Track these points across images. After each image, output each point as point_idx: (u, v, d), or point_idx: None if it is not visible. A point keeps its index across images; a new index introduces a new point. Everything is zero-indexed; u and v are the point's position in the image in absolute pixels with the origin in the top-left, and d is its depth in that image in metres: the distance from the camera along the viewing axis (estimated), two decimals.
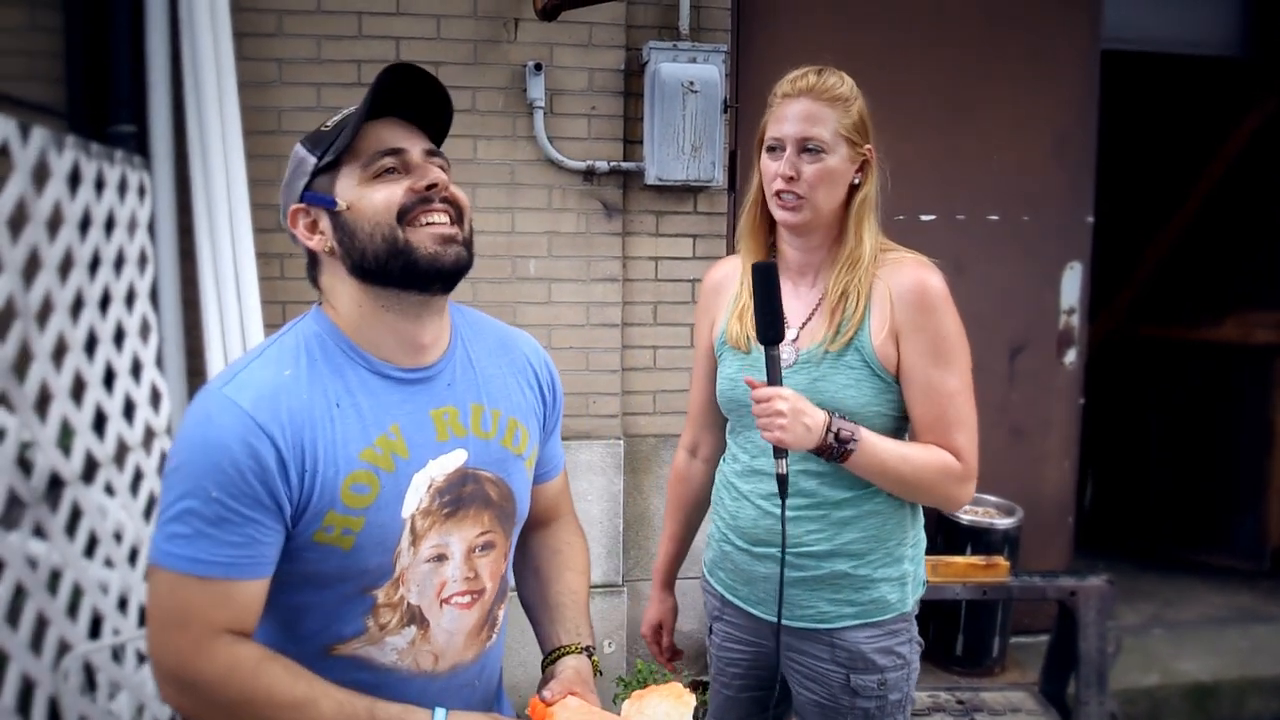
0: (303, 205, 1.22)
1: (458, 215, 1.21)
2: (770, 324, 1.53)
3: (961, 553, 3.34)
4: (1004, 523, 3.47)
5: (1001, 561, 3.11)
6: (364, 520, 1.16)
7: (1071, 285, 3.87)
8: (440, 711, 1.15)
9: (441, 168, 1.22)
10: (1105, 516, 5.18)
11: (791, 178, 1.64)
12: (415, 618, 1.23)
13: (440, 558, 1.23)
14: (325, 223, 1.21)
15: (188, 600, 1.08)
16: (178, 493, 1.09)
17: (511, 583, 1.42)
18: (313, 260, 1.26)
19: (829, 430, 1.58)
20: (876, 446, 1.62)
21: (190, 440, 1.11)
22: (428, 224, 1.17)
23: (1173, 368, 4.97)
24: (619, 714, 1.28)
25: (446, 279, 1.20)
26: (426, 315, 1.23)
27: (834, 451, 1.59)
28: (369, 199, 1.17)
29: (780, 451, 1.56)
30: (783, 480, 1.57)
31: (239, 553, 1.09)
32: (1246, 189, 4.57)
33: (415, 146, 1.21)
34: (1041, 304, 3.87)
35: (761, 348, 1.69)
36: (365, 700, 1.13)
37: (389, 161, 1.18)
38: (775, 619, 1.73)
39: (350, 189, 1.18)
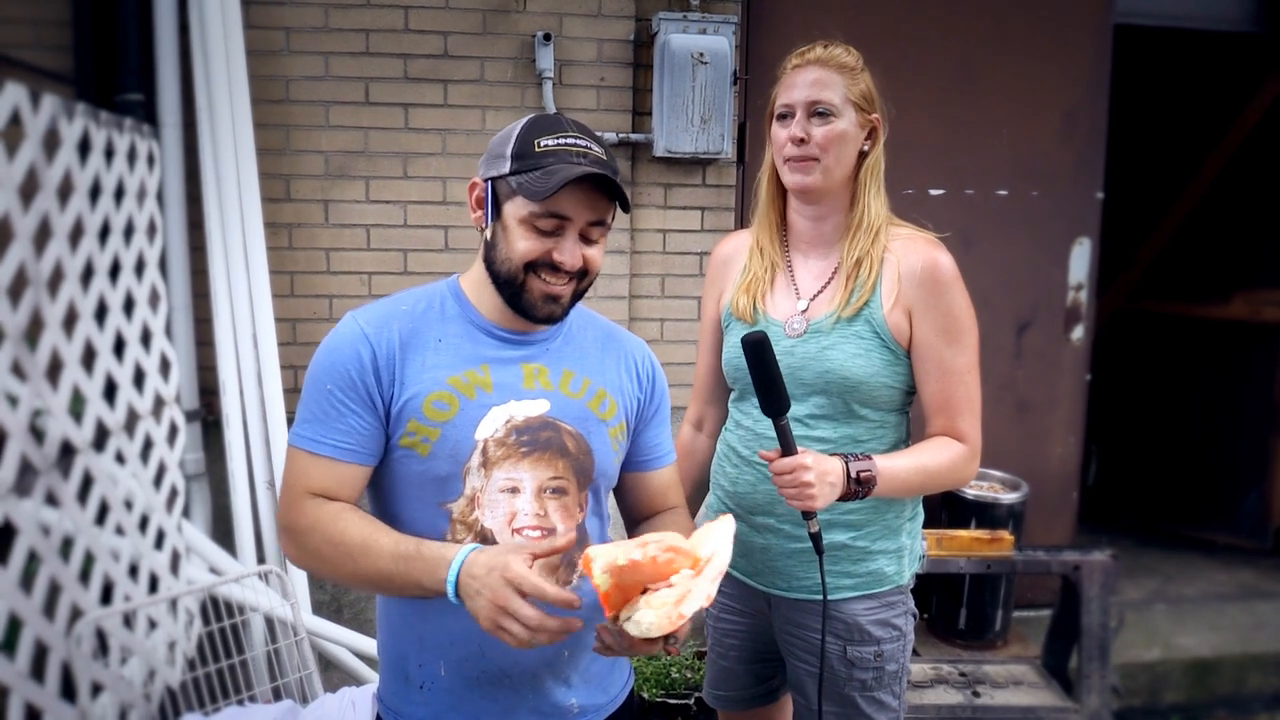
0: (483, 185, 1.40)
1: (581, 275, 1.40)
2: (774, 397, 1.52)
3: (966, 527, 3.34)
4: (1009, 497, 3.48)
5: (1006, 536, 3.12)
6: (440, 433, 1.36)
7: (1080, 261, 3.85)
8: (467, 548, 1.27)
9: (601, 236, 1.40)
10: (1109, 492, 5.19)
11: (802, 140, 1.67)
12: (488, 539, 1.38)
13: (513, 490, 1.39)
14: (487, 213, 1.39)
15: (300, 468, 1.37)
16: (307, 388, 1.38)
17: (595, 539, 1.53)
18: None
19: (849, 478, 1.57)
20: (895, 471, 1.63)
21: (319, 350, 1.39)
22: (547, 281, 1.36)
23: (1180, 345, 4.96)
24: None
25: (537, 323, 1.42)
26: None
27: (858, 494, 1.60)
28: (517, 241, 1.35)
29: (809, 512, 1.57)
30: (817, 538, 1.58)
31: (344, 439, 1.35)
32: (1258, 166, 4.54)
33: (582, 218, 1.36)
34: (1050, 280, 3.86)
35: (762, 324, 1.73)
36: (415, 540, 1.31)
37: (550, 224, 1.34)
38: (774, 590, 1.81)
39: (513, 218, 1.35)
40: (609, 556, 1.22)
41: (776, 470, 1.54)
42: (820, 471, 1.53)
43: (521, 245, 1.35)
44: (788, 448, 1.54)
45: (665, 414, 1.63)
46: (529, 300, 1.38)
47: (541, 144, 1.34)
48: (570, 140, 1.35)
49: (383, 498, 1.44)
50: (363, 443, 1.36)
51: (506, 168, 1.35)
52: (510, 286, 1.38)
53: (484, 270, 1.42)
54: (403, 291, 1.48)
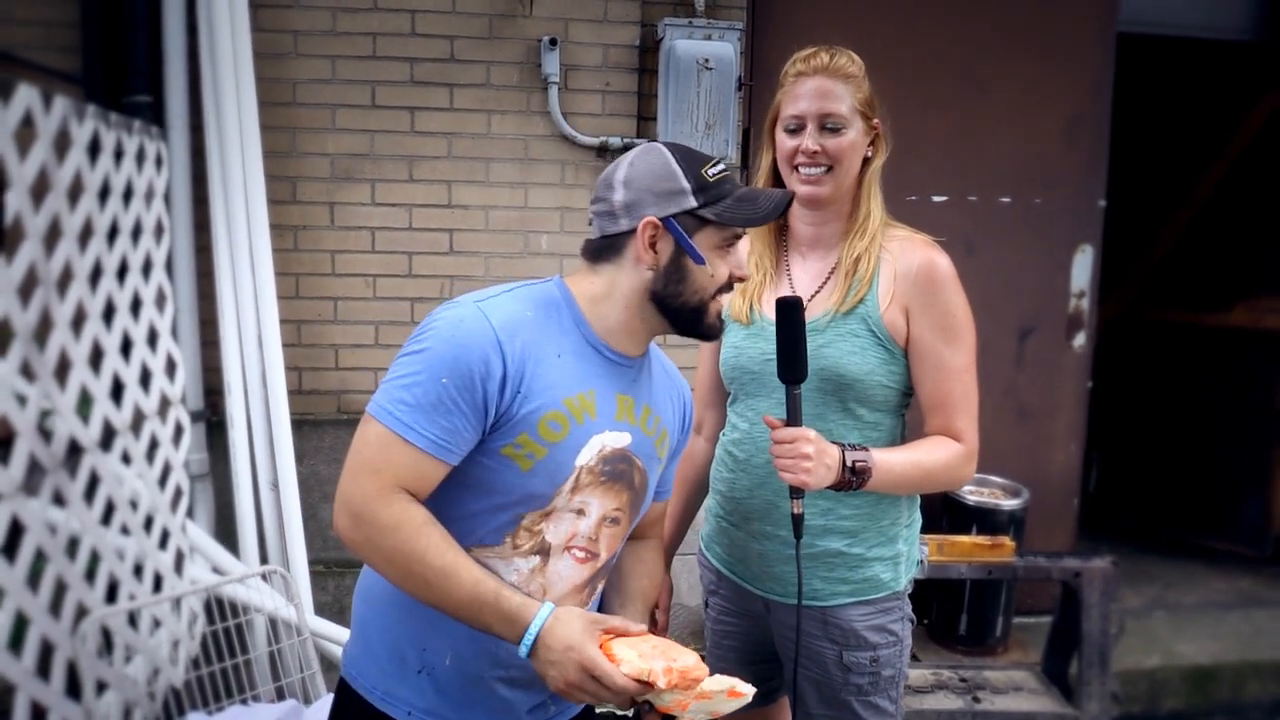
0: (661, 225, 1.37)
1: None
2: (793, 364, 1.53)
3: (967, 533, 3.35)
4: (1009, 504, 3.48)
5: (1006, 542, 3.13)
6: (547, 452, 1.34)
7: (1082, 268, 3.87)
8: (549, 605, 1.29)
9: None
10: (1110, 499, 5.20)
11: (816, 152, 1.69)
12: (543, 551, 1.39)
13: (580, 512, 1.41)
14: (666, 251, 1.38)
15: (389, 455, 1.28)
16: (416, 368, 1.28)
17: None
18: (612, 248, 1.42)
19: (845, 466, 1.58)
20: (891, 465, 1.63)
21: (441, 334, 1.29)
22: (720, 301, 1.43)
23: (1181, 352, 4.97)
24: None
25: (708, 341, 1.50)
26: (657, 335, 1.47)
27: (852, 485, 1.60)
28: (719, 269, 1.40)
29: (798, 491, 1.56)
30: (799, 520, 1.58)
31: (443, 436, 1.28)
32: (1260, 174, 4.55)
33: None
34: (1052, 287, 3.87)
35: (759, 324, 1.75)
36: (495, 582, 1.29)
37: (732, 245, 1.42)
38: (771, 596, 1.81)
39: (708, 250, 1.39)
40: (636, 669, 1.23)
41: (778, 439, 1.54)
42: (820, 449, 1.54)
43: (722, 270, 1.41)
44: (794, 418, 1.55)
45: (679, 450, 1.67)
46: (708, 323, 1.43)
47: (710, 174, 1.39)
48: (723, 166, 1.42)
49: (453, 489, 1.36)
50: (458, 443, 1.30)
51: (694, 202, 1.37)
52: (696, 314, 1.41)
53: (640, 299, 1.41)
54: (519, 290, 1.42)
